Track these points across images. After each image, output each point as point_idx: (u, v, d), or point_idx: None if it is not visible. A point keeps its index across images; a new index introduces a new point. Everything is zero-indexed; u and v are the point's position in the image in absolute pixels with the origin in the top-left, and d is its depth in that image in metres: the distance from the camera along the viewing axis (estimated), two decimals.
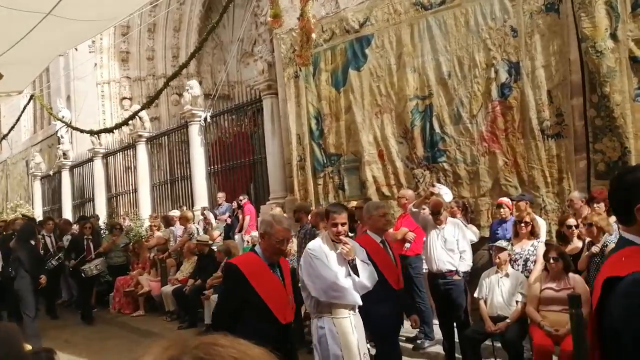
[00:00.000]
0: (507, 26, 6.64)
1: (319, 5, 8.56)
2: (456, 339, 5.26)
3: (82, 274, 9.07)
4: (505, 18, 6.65)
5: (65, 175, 16.89)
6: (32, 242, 7.93)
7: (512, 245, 5.16)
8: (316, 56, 8.66)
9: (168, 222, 10.34)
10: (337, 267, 3.56)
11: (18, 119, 17.26)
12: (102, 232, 11.41)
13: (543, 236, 5.47)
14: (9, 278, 7.88)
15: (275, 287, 3.18)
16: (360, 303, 3.62)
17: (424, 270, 5.91)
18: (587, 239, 4.82)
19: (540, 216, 6.01)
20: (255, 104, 10.84)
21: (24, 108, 16.99)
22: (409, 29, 7.63)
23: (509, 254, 4.97)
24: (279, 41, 9.52)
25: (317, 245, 3.65)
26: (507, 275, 4.90)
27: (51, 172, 17.67)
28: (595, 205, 5.15)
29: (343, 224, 3.64)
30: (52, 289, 9.61)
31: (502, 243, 5.03)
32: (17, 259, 7.53)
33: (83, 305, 9.39)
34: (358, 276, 3.59)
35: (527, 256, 5.12)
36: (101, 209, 14.97)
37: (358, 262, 3.64)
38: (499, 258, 4.96)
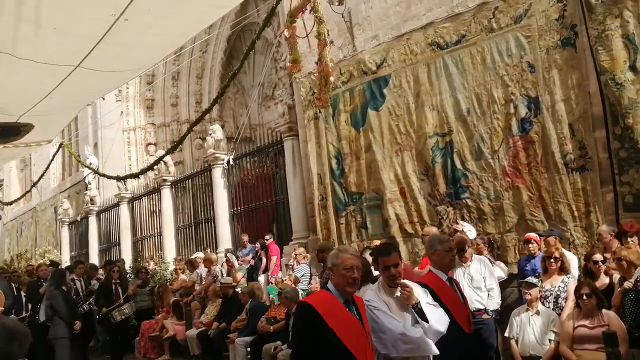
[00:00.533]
0: (524, 62, 6.68)
1: (336, 49, 8.76)
2: None
3: (111, 319, 8.99)
4: (521, 54, 6.70)
5: (92, 221, 17.20)
6: (64, 288, 7.99)
7: (541, 281, 5.04)
8: (335, 98, 8.81)
9: (193, 265, 10.40)
10: (401, 316, 3.18)
11: (47, 167, 17.80)
12: (128, 276, 11.49)
13: (575, 271, 5.33)
14: (37, 325, 7.89)
15: (353, 326, 2.87)
16: (437, 352, 3.18)
17: None
18: (618, 275, 4.68)
19: (570, 251, 5.87)
20: (277, 145, 11.00)
21: (53, 156, 17.54)
22: (426, 68, 7.73)
23: (540, 290, 4.84)
24: (299, 84, 9.73)
25: (373, 294, 3.24)
26: (537, 313, 4.76)
27: (79, 218, 18.03)
28: (629, 239, 5.00)
29: (396, 266, 3.25)
30: (85, 334, 9.41)
31: (532, 279, 4.91)
32: (50, 306, 7.54)
33: (113, 351, 9.31)
34: (427, 322, 3.18)
35: (558, 293, 4.98)
36: (127, 253, 15.13)
37: (424, 306, 3.24)
38: (529, 294, 4.83)
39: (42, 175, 17.88)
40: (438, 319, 3.23)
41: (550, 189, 6.42)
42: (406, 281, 3.29)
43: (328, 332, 2.76)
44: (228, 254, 10.19)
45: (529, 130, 6.64)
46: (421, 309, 3.20)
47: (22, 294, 9.32)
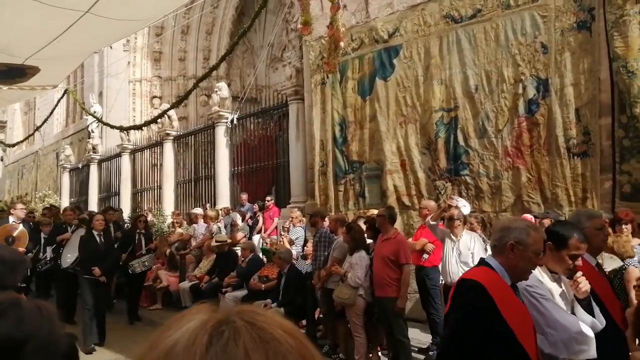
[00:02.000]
0: (537, 42, 6.59)
1: (349, 14, 8.64)
2: None
3: (129, 270, 8.68)
4: (536, 34, 6.61)
5: (94, 169, 17.28)
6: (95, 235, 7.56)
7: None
8: (344, 64, 8.73)
9: (191, 220, 10.52)
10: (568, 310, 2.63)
11: (51, 112, 17.76)
12: (126, 225, 11.56)
13: None
14: (60, 270, 8.04)
15: (526, 320, 2.31)
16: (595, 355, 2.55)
17: (441, 282, 5.90)
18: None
19: None
20: (282, 108, 10.96)
21: (58, 102, 17.48)
22: (438, 41, 7.64)
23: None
24: (308, 48, 9.63)
25: (536, 279, 2.58)
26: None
27: (80, 165, 18.11)
28: (623, 226, 5.05)
29: (575, 257, 2.61)
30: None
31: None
32: (80, 251, 7.40)
33: (129, 303, 8.83)
34: (593, 316, 2.61)
35: None
36: (126, 204, 15.27)
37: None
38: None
39: (46, 119, 17.85)
40: (598, 314, 2.66)
41: (550, 172, 6.44)
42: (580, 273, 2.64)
43: (501, 324, 2.19)
44: (232, 212, 10.28)
45: (535, 112, 6.61)
46: (590, 302, 2.63)
47: (42, 235, 9.14)
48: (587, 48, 6.18)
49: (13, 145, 21.60)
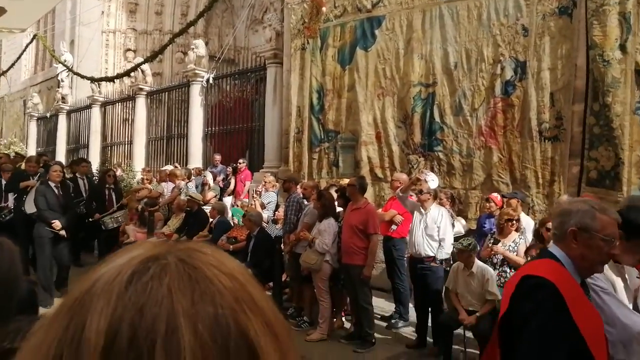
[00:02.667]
0: (518, 24, 6.65)
1: None
2: (429, 323, 5.43)
3: (102, 226, 8.49)
4: (517, 16, 6.65)
5: (62, 119, 16.80)
6: (54, 185, 7.05)
7: (495, 240, 5.26)
8: (325, 31, 8.64)
9: (161, 177, 10.40)
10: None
11: (19, 57, 17.11)
12: (94, 179, 11.29)
13: (529, 234, 5.57)
14: (24, 216, 7.39)
15: (597, 324, 1.95)
16: None
17: (407, 254, 6.04)
18: None
19: (528, 215, 6.12)
20: (259, 71, 10.80)
21: (26, 47, 16.84)
22: (421, 14, 7.61)
23: (470, 255, 4.89)
24: (290, 11, 9.45)
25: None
26: (471, 274, 4.88)
27: (48, 115, 17.57)
28: None
29: None
30: (76, 236, 8.46)
31: (462, 243, 4.89)
32: (37, 201, 6.79)
33: (100, 257, 8.35)
34: None
35: (507, 250, 5.23)
36: (95, 157, 14.95)
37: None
38: (460, 258, 4.98)
39: (13, 64, 17.20)
40: None
41: (521, 154, 6.60)
42: None
43: (573, 330, 1.82)
44: (204, 172, 10.20)
45: (511, 94, 6.72)
46: None
47: (2, 181, 8.51)
48: (567, 34, 6.27)
49: None
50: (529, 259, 4.61)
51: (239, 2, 16.24)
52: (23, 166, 9.05)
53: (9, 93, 20.62)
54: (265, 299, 0.48)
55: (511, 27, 6.73)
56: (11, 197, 8.38)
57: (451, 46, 7.30)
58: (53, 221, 6.61)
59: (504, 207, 5.86)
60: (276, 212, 7.80)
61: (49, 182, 6.84)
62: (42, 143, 18.14)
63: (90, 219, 8.62)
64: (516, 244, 5.16)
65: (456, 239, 5.52)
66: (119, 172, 11.95)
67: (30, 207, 7.38)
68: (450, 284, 5.08)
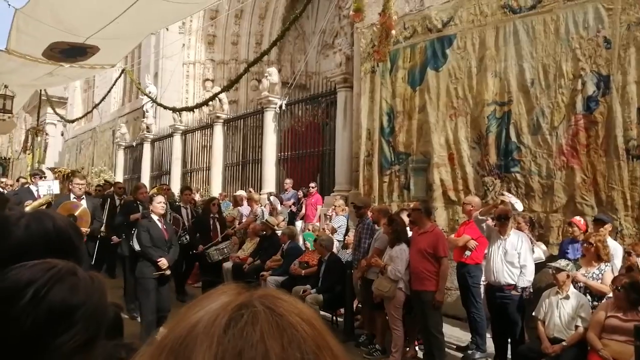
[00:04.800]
0: (600, 36, 6.26)
1: (402, 1, 8.48)
2: (508, 355, 5.12)
3: (208, 259, 7.97)
4: (599, 28, 6.28)
5: (147, 148, 17.85)
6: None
7: (578, 266, 4.91)
8: (395, 53, 8.59)
9: (236, 202, 10.70)
10: None
11: (109, 91, 18.43)
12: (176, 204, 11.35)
13: (618, 261, 5.17)
14: (132, 252, 6.91)
15: None
16: None
17: (482, 281, 5.77)
18: None
19: (616, 240, 5.67)
20: (330, 95, 10.93)
21: (115, 81, 18.10)
22: (494, 31, 7.39)
23: (568, 275, 4.71)
24: (360, 35, 9.52)
25: None
26: (567, 297, 4.66)
27: (134, 143, 18.74)
28: None
29: None
30: (182, 268, 8.24)
31: (560, 263, 4.78)
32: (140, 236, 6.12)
33: (177, 280, 8.14)
34: None
35: (591, 279, 4.86)
36: (176, 183, 15.71)
37: None
38: (556, 279, 4.73)
39: (104, 98, 18.54)
40: None
41: (606, 174, 6.15)
42: None
43: None
44: (272, 197, 10.40)
45: (594, 110, 6.31)
46: None
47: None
48: None
49: (72, 121, 22.55)
50: (618, 288, 4.25)
51: (310, 28, 16.62)
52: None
53: (100, 124, 22.26)
54: (339, 346, 0.52)
55: (592, 40, 6.35)
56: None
57: (527, 62, 7.01)
58: (159, 259, 5.86)
59: (589, 230, 5.47)
60: (346, 237, 7.75)
61: (152, 216, 6.14)
62: (129, 171, 19.34)
63: (194, 251, 8.08)
64: (601, 272, 4.79)
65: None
66: (197, 197, 12.44)
67: (137, 244, 6.58)
68: (539, 312, 4.79)
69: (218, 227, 8.36)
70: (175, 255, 6.21)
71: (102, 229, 8.03)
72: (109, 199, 8.98)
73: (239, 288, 0.55)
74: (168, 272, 6.00)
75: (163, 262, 5.85)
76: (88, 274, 1.02)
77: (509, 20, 7.22)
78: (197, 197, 12.77)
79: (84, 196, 6.73)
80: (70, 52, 8.66)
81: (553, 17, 6.70)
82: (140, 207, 7.59)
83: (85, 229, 5.92)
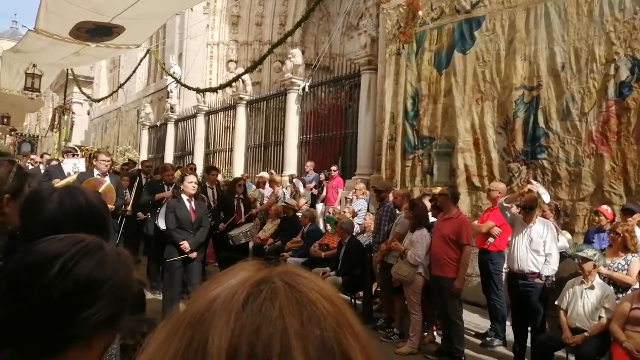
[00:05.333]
0: (637, 19, 6.03)
1: None
2: (528, 344, 5.06)
3: (230, 241, 7.58)
4: (636, 9, 6.04)
5: (170, 128, 18.00)
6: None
7: (604, 256, 4.80)
8: (421, 35, 8.43)
9: (258, 183, 10.73)
10: None
11: (134, 71, 18.59)
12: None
13: None
14: (157, 230, 7.01)
15: None
16: None
17: (505, 269, 5.69)
18: None
19: None
20: (354, 78, 10.81)
21: (140, 61, 18.24)
22: (525, 13, 7.17)
23: (595, 265, 4.61)
24: (385, 16, 9.35)
25: None
26: (592, 287, 4.56)
27: (158, 123, 18.92)
28: None
29: None
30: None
31: (587, 252, 4.66)
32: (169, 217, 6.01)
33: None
34: None
35: (615, 270, 4.74)
36: (199, 163, 15.79)
37: None
38: (582, 268, 4.63)
39: (129, 78, 18.71)
40: None
41: (637, 163, 5.97)
42: None
43: None
44: (295, 179, 10.39)
45: (627, 96, 6.10)
46: None
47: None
48: None
49: (98, 101, 22.87)
50: None
51: (334, 9, 16.43)
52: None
53: (125, 104, 22.52)
54: (360, 324, 0.51)
55: (628, 23, 6.12)
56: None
57: (558, 45, 6.80)
58: (181, 242, 5.79)
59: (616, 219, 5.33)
60: (364, 221, 7.70)
61: (182, 196, 6.01)
62: (153, 150, 19.56)
63: (217, 231, 7.78)
64: (627, 262, 4.66)
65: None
66: (220, 177, 12.50)
67: (163, 223, 6.64)
68: (562, 301, 4.71)
69: (242, 208, 8.12)
70: (202, 237, 6.05)
71: (129, 208, 8.08)
72: (137, 178, 9.01)
73: (259, 264, 0.54)
74: (193, 254, 5.81)
75: (185, 245, 5.76)
76: (115, 249, 1.02)
77: (540, 1, 7.00)
78: (219, 177, 12.84)
79: (107, 173, 6.61)
80: (96, 32, 8.73)
81: None
82: (166, 187, 7.57)
83: (110, 206, 5.72)
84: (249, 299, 0.48)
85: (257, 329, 0.46)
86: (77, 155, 10.69)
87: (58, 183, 6.38)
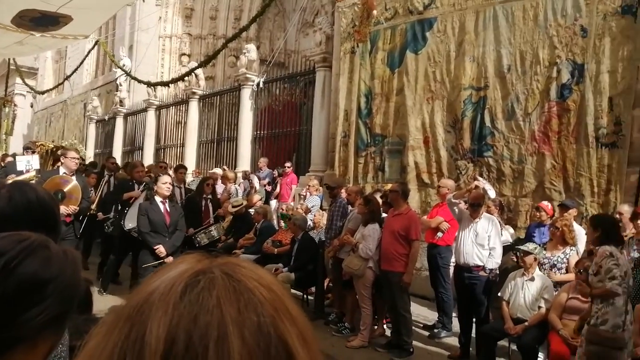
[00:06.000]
0: (577, 25, 6.35)
1: None
2: (473, 334, 5.25)
3: (195, 243, 7.29)
4: (576, 16, 6.36)
5: (119, 122, 17.48)
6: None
7: (544, 249, 5.04)
8: (375, 34, 8.56)
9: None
10: None
11: (82, 62, 17.94)
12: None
13: (582, 245, 5.31)
14: (121, 231, 6.79)
15: None
16: None
17: (452, 263, 5.88)
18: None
19: (581, 225, 5.82)
20: (309, 75, 10.84)
21: (88, 52, 17.62)
22: (474, 16, 7.42)
23: (535, 258, 4.84)
24: (340, 14, 9.45)
25: None
26: (532, 279, 4.79)
27: (106, 117, 18.34)
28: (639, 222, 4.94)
29: None
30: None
31: (528, 246, 4.90)
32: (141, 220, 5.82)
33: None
34: None
35: (555, 263, 5.00)
36: (149, 159, 15.46)
37: None
38: (523, 261, 4.86)
39: (76, 69, 18.05)
40: None
41: (576, 161, 6.29)
42: None
43: None
44: (251, 175, 10.31)
45: (567, 98, 6.42)
46: None
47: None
48: (630, 34, 5.93)
49: (43, 93, 21.93)
50: (580, 271, 4.38)
51: (290, 5, 16.40)
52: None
53: (71, 96, 21.68)
54: (298, 310, 0.53)
55: (569, 28, 6.43)
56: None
57: (505, 48, 7.07)
58: (156, 246, 5.56)
59: (555, 215, 5.61)
60: (314, 217, 7.74)
61: (155, 198, 5.79)
62: (100, 145, 18.94)
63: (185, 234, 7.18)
64: (566, 255, 4.92)
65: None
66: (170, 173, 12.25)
67: (129, 222, 6.56)
68: (505, 292, 4.91)
69: (210, 208, 7.77)
70: (177, 241, 5.82)
71: (93, 206, 7.54)
72: (105, 177, 8.64)
73: (200, 256, 0.55)
74: (169, 259, 5.47)
75: (160, 249, 5.52)
76: (61, 248, 0.99)
77: (489, 5, 7.25)
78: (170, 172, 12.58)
79: (74, 172, 6.05)
80: (41, 21, 8.36)
81: (533, 3, 6.76)
82: (136, 186, 7.23)
83: (74, 207, 5.58)
84: (186, 290, 0.49)
85: (195, 318, 0.47)
86: (36, 152, 10.15)
87: (13, 180, 6.03)
